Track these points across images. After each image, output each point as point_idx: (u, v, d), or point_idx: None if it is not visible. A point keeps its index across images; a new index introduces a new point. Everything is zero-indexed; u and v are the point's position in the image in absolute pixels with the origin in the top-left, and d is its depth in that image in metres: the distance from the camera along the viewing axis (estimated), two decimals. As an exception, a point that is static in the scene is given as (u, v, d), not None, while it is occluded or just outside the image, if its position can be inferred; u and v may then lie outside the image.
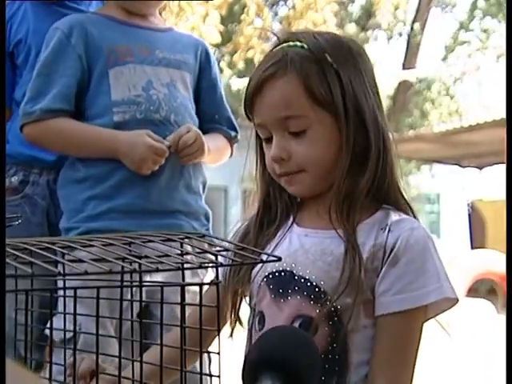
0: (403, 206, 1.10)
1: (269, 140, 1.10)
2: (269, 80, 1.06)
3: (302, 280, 1.05)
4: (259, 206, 1.15)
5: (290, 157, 1.07)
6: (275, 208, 1.15)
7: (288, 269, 1.07)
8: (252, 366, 0.69)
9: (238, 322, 1.11)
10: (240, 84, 10.20)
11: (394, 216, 1.07)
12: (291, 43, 1.09)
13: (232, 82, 10.63)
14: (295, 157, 1.07)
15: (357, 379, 1.04)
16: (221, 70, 12.14)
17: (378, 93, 1.11)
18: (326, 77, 1.05)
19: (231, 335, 1.10)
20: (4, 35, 1.80)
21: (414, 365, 1.03)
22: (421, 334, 1.04)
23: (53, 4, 1.87)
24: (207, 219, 1.78)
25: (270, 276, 1.08)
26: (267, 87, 1.07)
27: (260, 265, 1.09)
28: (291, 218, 1.14)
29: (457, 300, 1.05)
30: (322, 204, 1.09)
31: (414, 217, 1.10)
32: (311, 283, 1.04)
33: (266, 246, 1.11)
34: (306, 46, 1.07)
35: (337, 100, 1.05)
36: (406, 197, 1.12)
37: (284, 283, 1.06)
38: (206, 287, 1.07)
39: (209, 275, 1.71)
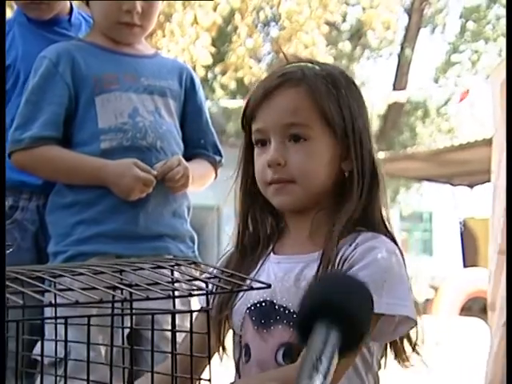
0: (381, 229, 1.10)
1: (263, 147, 1.11)
2: (280, 87, 1.09)
3: (281, 309, 1.06)
4: (239, 230, 1.15)
5: (286, 163, 1.08)
6: (257, 233, 1.15)
7: (268, 299, 1.08)
8: (305, 314, 0.67)
9: (223, 349, 1.11)
10: (232, 104, 10.23)
11: (365, 234, 1.08)
12: (302, 64, 1.12)
13: (224, 103, 10.67)
14: (290, 164, 1.08)
15: None
16: (213, 91, 12.19)
17: (370, 127, 1.14)
18: (336, 97, 1.08)
19: (221, 360, 1.10)
20: (4, 36, 1.80)
21: (343, 368, 1.00)
22: None
23: (41, 29, 1.88)
24: (193, 242, 1.81)
25: (252, 308, 1.09)
26: (277, 93, 1.09)
27: (241, 295, 1.09)
28: (271, 246, 1.14)
29: (415, 322, 1.05)
30: (305, 229, 1.10)
31: (393, 239, 1.10)
32: (289, 310, 1.05)
33: (248, 275, 1.11)
34: (317, 67, 1.11)
35: (346, 121, 1.08)
36: (385, 220, 1.12)
37: (265, 314, 1.07)
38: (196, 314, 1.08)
39: (196, 300, 1.73)
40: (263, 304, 1.08)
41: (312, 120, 1.08)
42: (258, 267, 1.12)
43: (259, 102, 1.10)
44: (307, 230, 1.09)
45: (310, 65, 1.11)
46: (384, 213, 1.12)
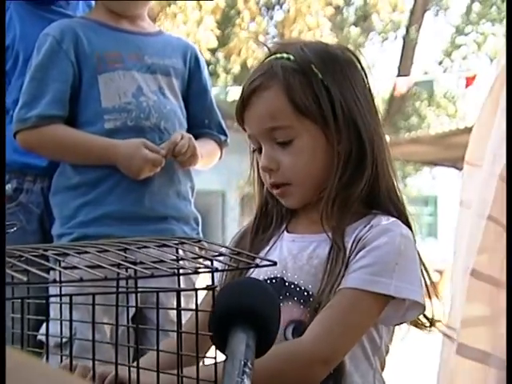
0: (394, 211, 1.10)
1: (260, 150, 1.12)
2: (255, 92, 1.09)
3: (292, 286, 1.07)
4: (257, 212, 1.17)
5: (279, 166, 1.09)
6: (271, 214, 1.16)
7: (279, 276, 1.09)
8: (220, 319, 0.68)
9: None
10: (236, 89, 10.18)
11: (381, 217, 1.08)
12: (278, 55, 1.11)
13: (229, 88, 10.64)
14: (282, 167, 1.09)
15: (352, 382, 1.05)
16: (217, 75, 12.15)
17: (371, 99, 1.12)
18: (311, 87, 1.07)
19: None
20: (4, 35, 1.79)
21: (347, 343, 1.02)
22: (368, 320, 1.04)
23: (39, 9, 1.86)
24: (197, 223, 1.81)
25: None
26: (253, 99, 1.09)
27: (251, 271, 1.10)
28: (284, 226, 1.15)
29: (423, 307, 1.06)
30: (315, 210, 1.11)
31: (407, 223, 1.10)
32: (300, 288, 1.06)
33: (260, 252, 1.12)
34: (292, 57, 1.09)
35: (325, 109, 1.07)
36: (400, 204, 1.12)
37: (275, 290, 1.06)
38: (203, 292, 1.08)
39: (201, 279, 1.73)
40: (273, 281, 1.09)
41: (290, 119, 1.07)
42: (270, 245, 1.14)
43: (241, 110, 1.11)
44: (318, 212, 1.10)
45: (285, 56, 1.10)
46: (395, 195, 1.12)
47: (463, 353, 1.55)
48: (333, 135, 1.07)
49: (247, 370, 0.62)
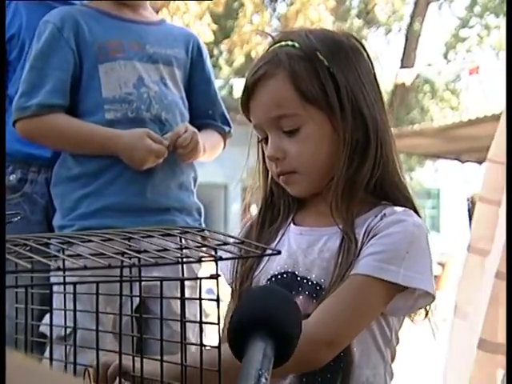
0: (403, 202, 1.10)
1: (266, 140, 1.11)
2: (260, 81, 1.08)
3: (304, 280, 1.06)
4: (261, 204, 1.16)
5: (286, 155, 1.08)
6: (278, 206, 1.15)
7: (290, 270, 1.08)
8: (239, 327, 0.67)
9: None
10: (241, 81, 10.16)
11: (393, 207, 1.07)
12: (283, 43, 1.10)
13: (233, 81, 10.63)
14: (289, 156, 1.08)
15: (361, 376, 1.05)
16: (219, 68, 12.13)
17: (377, 87, 1.11)
18: (317, 74, 1.06)
19: None
20: (4, 35, 1.79)
21: (352, 328, 1.02)
22: (375, 307, 1.03)
23: None
24: (199, 214, 1.80)
25: (273, 279, 1.09)
26: (258, 88, 1.08)
27: (262, 266, 1.09)
28: (291, 218, 1.14)
29: (433, 297, 1.05)
30: (323, 201, 1.10)
31: (416, 213, 1.09)
32: (312, 282, 1.05)
33: (268, 245, 1.11)
34: (297, 44, 1.08)
35: (331, 96, 1.06)
36: (407, 193, 1.11)
37: (287, 285, 1.06)
38: (207, 282, 1.08)
39: (203, 270, 1.73)
40: (284, 275, 1.08)
41: (297, 107, 1.06)
42: (278, 238, 1.12)
43: (246, 101, 1.10)
44: (326, 203, 1.09)
45: (290, 43, 1.09)
46: (401, 183, 1.11)
47: (483, 347, 1.57)
48: (339, 123, 1.06)
49: (263, 380, 0.61)
